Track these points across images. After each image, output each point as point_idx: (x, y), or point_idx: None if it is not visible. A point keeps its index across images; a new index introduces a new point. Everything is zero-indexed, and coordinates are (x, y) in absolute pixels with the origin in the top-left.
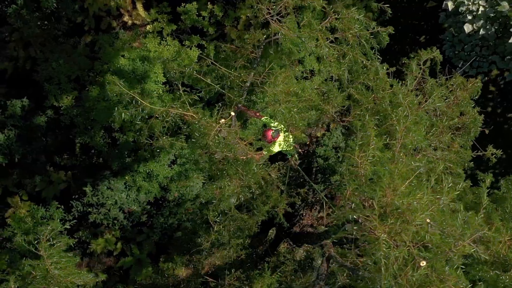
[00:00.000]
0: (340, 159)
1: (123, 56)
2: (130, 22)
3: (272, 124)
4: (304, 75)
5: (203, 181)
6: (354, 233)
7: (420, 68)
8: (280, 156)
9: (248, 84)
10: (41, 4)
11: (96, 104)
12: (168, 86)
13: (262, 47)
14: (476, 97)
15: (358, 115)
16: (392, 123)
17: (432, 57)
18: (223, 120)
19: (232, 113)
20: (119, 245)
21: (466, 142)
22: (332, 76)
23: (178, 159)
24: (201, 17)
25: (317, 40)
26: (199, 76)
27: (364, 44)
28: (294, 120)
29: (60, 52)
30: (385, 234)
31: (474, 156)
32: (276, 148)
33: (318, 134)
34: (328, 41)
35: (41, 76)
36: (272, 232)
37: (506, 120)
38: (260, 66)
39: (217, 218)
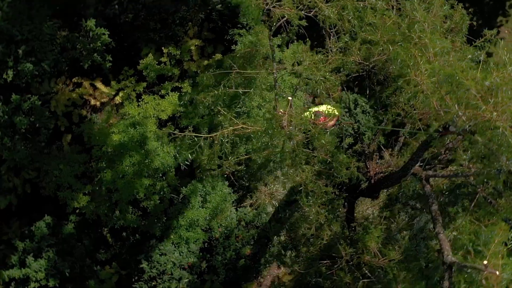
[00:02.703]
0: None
1: (113, 132)
2: (98, 103)
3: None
4: None
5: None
6: (466, 125)
7: None
8: None
9: None
10: (17, 126)
11: (113, 184)
12: (169, 137)
13: None
14: None
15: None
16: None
17: None
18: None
19: (290, 98)
20: None
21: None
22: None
23: (207, 197)
24: (162, 64)
25: None
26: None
27: None
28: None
29: (53, 160)
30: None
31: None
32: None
33: None
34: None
35: (49, 189)
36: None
37: None
38: None
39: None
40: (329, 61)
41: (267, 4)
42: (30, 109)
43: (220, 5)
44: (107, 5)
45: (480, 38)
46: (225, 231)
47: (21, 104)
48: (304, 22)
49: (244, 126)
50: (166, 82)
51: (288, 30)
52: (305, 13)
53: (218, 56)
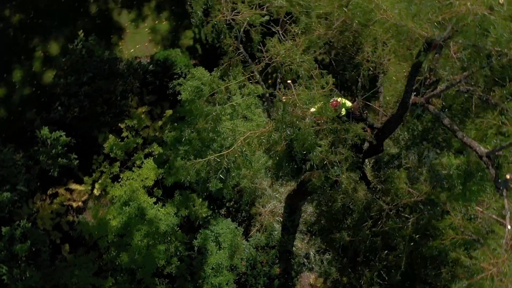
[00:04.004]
0: None
1: (110, 219)
2: (80, 203)
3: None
4: None
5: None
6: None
7: None
8: None
9: None
10: (19, 255)
11: (134, 264)
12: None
13: None
14: None
15: None
16: None
17: None
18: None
19: (289, 81)
20: None
21: None
22: None
23: (219, 238)
24: (125, 138)
25: None
26: None
27: None
28: None
29: (65, 271)
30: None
31: None
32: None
33: None
34: None
35: None
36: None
37: None
38: None
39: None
40: (297, 44)
41: (226, 15)
42: (23, 234)
43: (151, 65)
44: (50, 110)
45: None
46: (248, 263)
47: (13, 233)
48: (266, 19)
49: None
50: (135, 153)
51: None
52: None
53: (169, 112)
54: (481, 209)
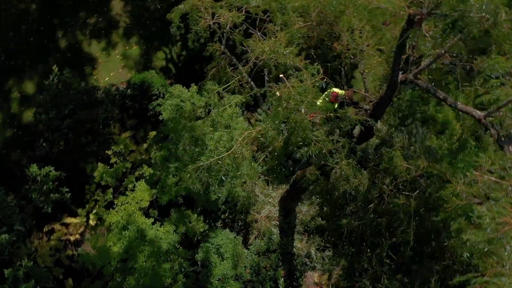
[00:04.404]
0: None
1: (111, 246)
2: (77, 236)
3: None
4: None
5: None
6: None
7: None
8: None
9: None
10: None
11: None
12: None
13: None
14: None
15: None
16: None
17: None
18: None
19: (281, 75)
20: None
21: None
22: None
23: (220, 249)
24: (114, 164)
25: None
26: None
27: None
28: None
29: None
30: None
31: None
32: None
33: None
34: None
35: None
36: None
37: None
38: None
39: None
40: (279, 38)
41: (208, 21)
42: (26, 274)
43: (128, 90)
44: (35, 148)
45: None
46: (253, 269)
47: (16, 274)
48: (243, 16)
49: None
50: (126, 178)
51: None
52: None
53: (153, 133)
54: (479, 174)
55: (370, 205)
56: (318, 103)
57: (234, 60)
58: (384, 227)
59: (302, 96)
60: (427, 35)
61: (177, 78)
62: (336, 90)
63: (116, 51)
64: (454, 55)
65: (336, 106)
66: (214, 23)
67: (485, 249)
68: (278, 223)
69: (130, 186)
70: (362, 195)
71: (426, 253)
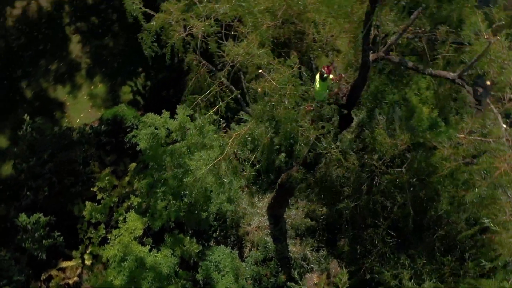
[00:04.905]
0: None
1: (112, 280)
2: (76, 278)
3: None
4: None
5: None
6: None
7: None
8: None
9: None
10: None
11: None
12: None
13: None
14: None
15: None
16: None
17: None
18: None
19: (260, 70)
20: None
21: None
22: None
23: (219, 265)
24: (102, 200)
25: None
26: None
27: None
28: None
29: None
30: None
31: None
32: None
33: None
34: None
35: None
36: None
37: None
38: None
39: None
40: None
41: (181, 33)
42: None
43: (102, 126)
44: (19, 199)
45: None
46: (254, 279)
47: None
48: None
49: None
50: (115, 212)
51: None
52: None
53: (133, 165)
54: (463, 135)
55: (363, 186)
56: (316, 88)
57: (211, 67)
58: (380, 206)
59: (286, 85)
60: (390, 13)
61: (147, 108)
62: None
63: (82, 92)
64: (417, 29)
65: (328, 85)
66: (187, 35)
67: (484, 195)
68: (269, 232)
69: (121, 218)
70: (354, 177)
71: (425, 224)
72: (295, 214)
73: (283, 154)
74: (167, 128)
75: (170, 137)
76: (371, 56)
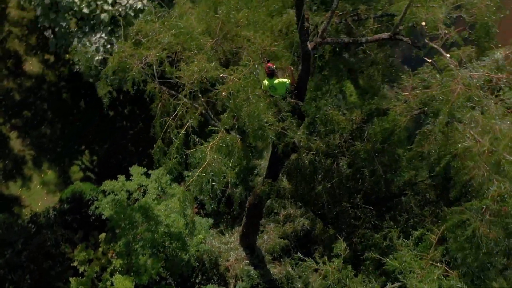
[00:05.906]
0: None
1: None
2: None
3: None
4: None
5: None
6: None
7: None
8: None
9: None
10: None
11: None
12: None
13: None
14: None
15: None
16: None
17: None
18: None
19: (221, 75)
20: None
21: None
22: None
23: None
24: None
25: None
26: None
27: None
28: None
29: None
30: None
31: None
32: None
33: None
34: None
35: None
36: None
37: None
38: None
39: None
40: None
41: (138, 64)
42: None
43: (64, 205)
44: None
45: None
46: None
47: None
48: (166, 51)
49: None
50: (100, 282)
51: None
52: None
53: (102, 236)
54: (407, 93)
55: (333, 165)
56: (266, 84)
57: (172, 91)
58: (353, 181)
59: (248, 82)
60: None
61: (101, 180)
62: (270, 65)
63: (34, 182)
64: (341, 13)
65: (275, 81)
66: (144, 65)
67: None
68: (248, 262)
69: (108, 284)
70: (324, 159)
71: (398, 185)
72: (267, 238)
73: (240, 187)
74: (127, 191)
75: (132, 198)
76: (310, 45)
